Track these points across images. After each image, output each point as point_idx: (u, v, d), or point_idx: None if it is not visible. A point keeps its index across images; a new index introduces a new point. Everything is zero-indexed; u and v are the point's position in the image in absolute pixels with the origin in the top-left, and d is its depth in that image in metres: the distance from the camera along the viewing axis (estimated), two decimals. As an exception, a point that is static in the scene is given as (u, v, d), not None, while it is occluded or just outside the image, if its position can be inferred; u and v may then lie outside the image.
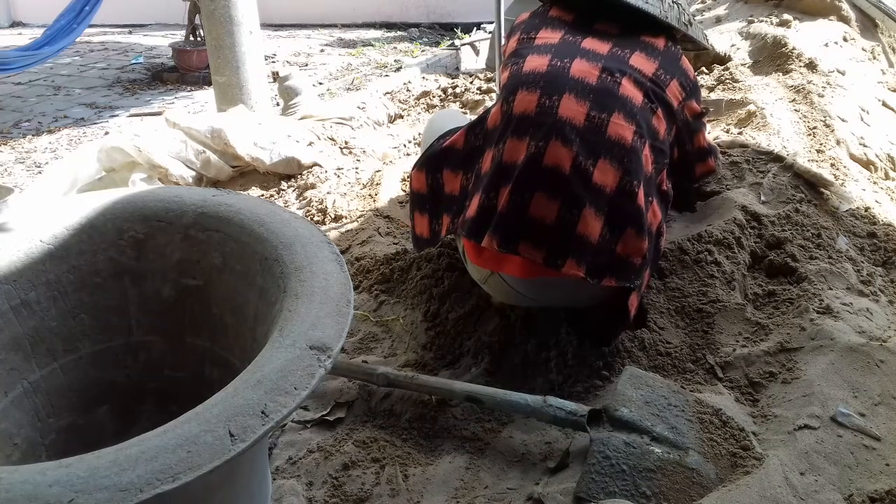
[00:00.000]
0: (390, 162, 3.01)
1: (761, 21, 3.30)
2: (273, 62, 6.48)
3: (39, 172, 4.10)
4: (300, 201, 2.74)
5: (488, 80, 3.92)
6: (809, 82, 2.65)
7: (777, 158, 2.11)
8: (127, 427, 1.24)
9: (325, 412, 1.57)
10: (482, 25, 6.66)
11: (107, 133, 4.82)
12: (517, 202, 1.43)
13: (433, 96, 3.92)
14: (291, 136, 3.04)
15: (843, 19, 3.35)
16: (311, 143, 3.06)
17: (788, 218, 1.89)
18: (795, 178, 2.04)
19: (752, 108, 2.46)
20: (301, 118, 3.42)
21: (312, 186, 2.79)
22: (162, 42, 7.97)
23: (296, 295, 1.00)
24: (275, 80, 4.68)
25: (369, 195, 2.65)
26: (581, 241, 1.41)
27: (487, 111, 1.61)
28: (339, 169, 2.91)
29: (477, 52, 5.75)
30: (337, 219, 2.53)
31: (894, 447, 1.29)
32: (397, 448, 1.45)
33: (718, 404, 1.40)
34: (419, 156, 1.78)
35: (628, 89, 1.45)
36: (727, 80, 2.77)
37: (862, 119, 2.58)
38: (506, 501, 1.30)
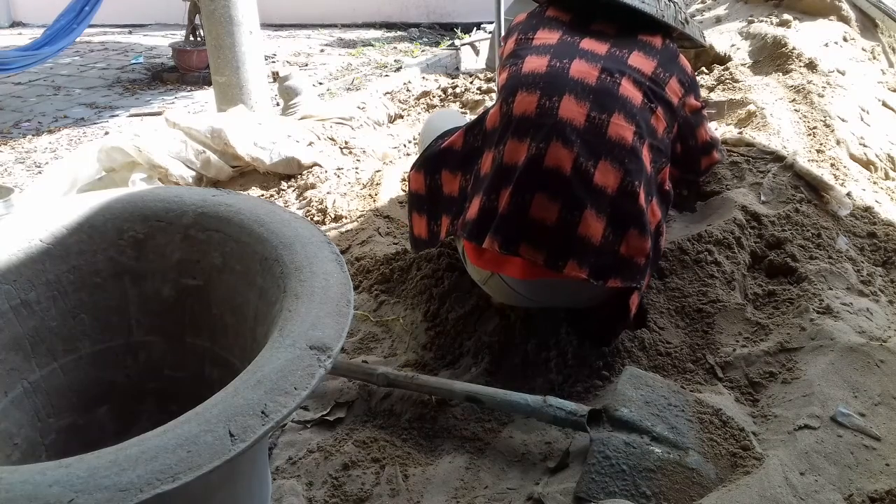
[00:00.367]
0: (390, 162, 3.01)
1: (761, 21, 3.30)
2: (273, 62, 6.48)
3: (39, 172, 4.10)
4: (300, 201, 2.74)
5: (488, 80, 3.92)
6: (809, 82, 2.65)
7: (777, 158, 2.11)
8: (127, 427, 1.24)
9: (325, 412, 1.57)
10: (482, 25, 6.67)
11: (107, 133, 4.82)
12: (518, 204, 1.43)
13: (433, 96, 3.92)
14: (291, 136, 3.04)
15: (843, 19, 3.34)
16: (311, 143, 3.06)
17: (788, 218, 1.89)
18: (797, 178, 2.04)
19: (752, 108, 2.46)
20: (301, 118, 3.42)
21: (312, 186, 2.79)
22: (162, 42, 7.97)
23: (296, 295, 1.00)
24: (275, 80, 4.68)
25: (369, 195, 2.65)
26: (582, 242, 1.41)
27: (486, 112, 1.61)
28: (339, 169, 2.91)
29: (477, 52, 5.75)
30: (337, 219, 2.53)
31: (894, 447, 1.30)
32: (397, 448, 1.45)
33: (718, 404, 1.40)
34: (417, 156, 1.78)
35: (628, 89, 1.45)
36: (727, 80, 2.77)
37: (862, 119, 2.58)
38: (506, 501, 1.30)
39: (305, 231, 1.13)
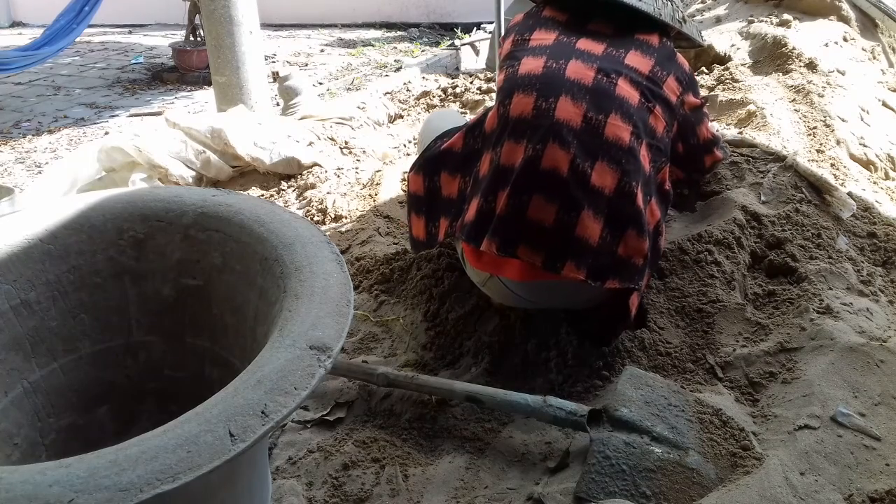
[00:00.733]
0: (390, 162, 3.01)
1: (761, 21, 3.30)
2: (273, 62, 6.48)
3: (39, 172, 4.10)
4: (300, 201, 2.74)
5: (488, 80, 3.92)
6: (809, 82, 2.65)
7: (779, 159, 2.11)
8: (127, 427, 1.24)
9: (325, 412, 1.57)
10: (482, 25, 6.67)
11: (107, 133, 4.82)
12: (515, 205, 1.43)
13: (433, 96, 3.92)
14: (291, 136, 3.04)
15: (843, 19, 3.34)
16: (311, 143, 3.06)
17: (788, 218, 1.89)
18: (800, 179, 2.03)
19: (752, 108, 2.46)
20: (301, 118, 3.42)
21: (312, 186, 2.79)
22: (162, 42, 7.97)
23: (296, 295, 1.00)
24: (275, 80, 4.68)
25: (369, 195, 2.65)
26: (580, 243, 1.41)
27: (486, 113, 1.61)
28: (339, 169, 2.91)
29: (477, 52, 5.75)
30: (337, 219, 2.53)
31: (894, 447, 1.30)
32: (397, 448, 1.45)
33: (718, 404, 1.40)
34: (417, 157, 1.78)
35: (624, 89, 1.45)
36: (727, 80, 2.77)
37: (862, 119, 2.58)
38: (506, 501, 1.30)
39: (305, 231, 1.13)
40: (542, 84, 1.46)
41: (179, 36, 7.04)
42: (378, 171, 2.86)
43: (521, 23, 1.63)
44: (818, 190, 2.02)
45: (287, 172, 2.94)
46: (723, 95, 2.63)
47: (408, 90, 4.24)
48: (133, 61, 7.27)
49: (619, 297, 1.51)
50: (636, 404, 1.34)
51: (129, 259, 1.22)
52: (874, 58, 3.22)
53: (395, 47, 7.40)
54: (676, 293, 1.74)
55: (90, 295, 1.20)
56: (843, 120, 2.47)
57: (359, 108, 3.65)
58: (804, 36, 3.07)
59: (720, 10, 3.71)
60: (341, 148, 3.13)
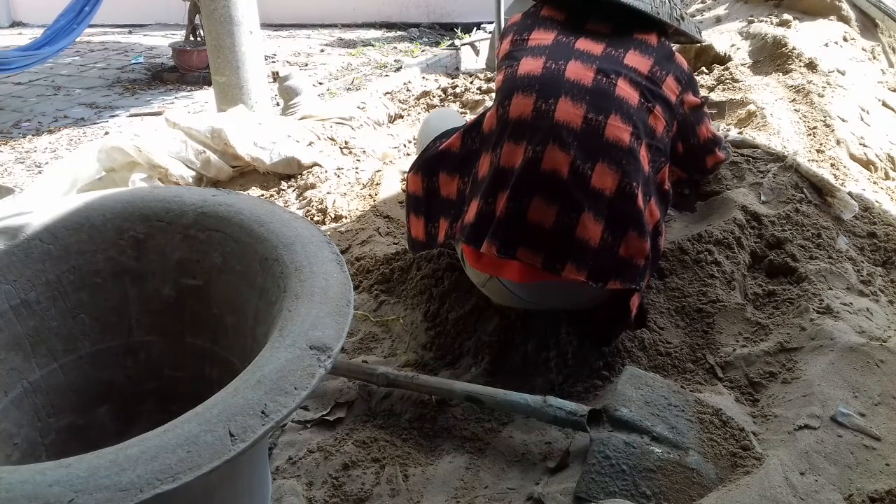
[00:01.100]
0: (390, 162, 3.01)
1: (761, 21, 3.30)
2: (273, 62, 6.48)
3: (39, 172, 4.11)
4: (300, 201, 2.74)
5: (488, 80, 3.92)
6: (809, 82, 2.65)
7: (779, 159, 2.11)
8: (127, 427, 1.24)
9: (325, 412, 1.57)
10: (482, 25, 6.67)
11: (107, 133, 4.82)
12: (515, 207, 1.43)
13: (433, 96, 3.92)
14: (291, 136, 3.04)
15: (843, 19, 3.35)
16: (311, 143, 3.06)
17: (788, 218, 1.89)
18: (801, 179, 2.03)
19: (752, 108, 2.46)
20: (301, 118, 3.42)
21: (312, 186, 2.79)
22: (162, 42, 7.97)
23: (296, 295, 1.00)
24: (275, 80, 4.68)
25: (369, 195, 2.65)
26: (580, 245, 1.41)
27: (484, 114, 1.61)
28: (339, 169, 2.91)
29: (477, 52, 5.76)
30: (337, 219, 2.53)
31: (894, 447, 1.29)
32: (397, 448, 1.45)
33: (718, 404, 1.40)
34: (416, 157, 1.78)
35: (624, 90, 1.45)
36: (727, 80, 2.77)
37: (862, 119, 2.58)
38: (506, 501, 1.30)
39: (305, 231, 1.13)
40: (542, 85, 1.46)
41: (179, 36, 7.04)
42: (378, 171, 2.86)
43: (520, 23, 1.63)
44: (820, 191, 2.02)
45: (287, 172, 2.94)
46: (723, 95, 2.63)
47: (408, 90, 4.24)
48: (133, 61, 7.28)
49: (619, 297, 1.51)
50: (636, 404, 1.34)
51: (129, 259, 1.22)
52: (874, 58, 3.22)
53: (395, 47, 7.40)
54: (676, 293, 1.74)
55: (90, 295, 1.20)
56: (843, 120, 2.47)
57: (359, 108, 3.65)
58: (804, 36, 3.07)
59: (720, 10, 3.71)
60: (341, 148, 3.13)
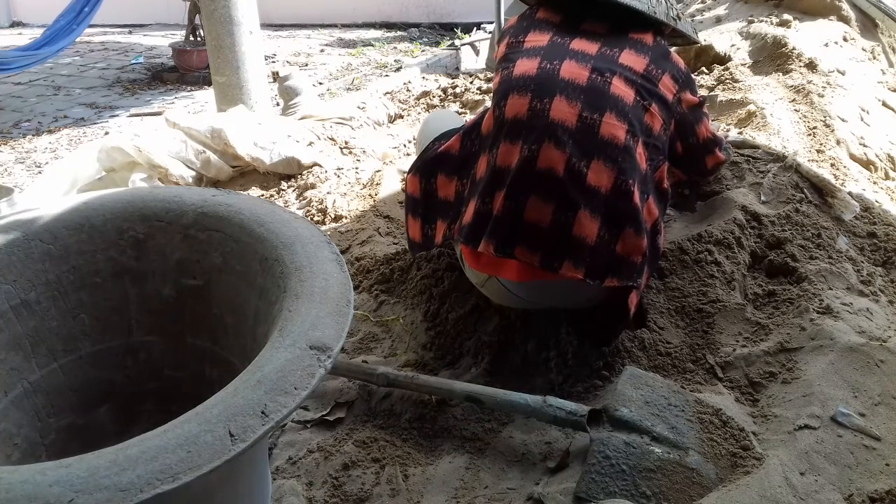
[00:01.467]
0: (390, 162, 3.01)
1: (761, 21, 3.30)
2: (273, 62, 6.48)
3: (39, 172, 4.11)
4: (300, 201, 2.74)
5: (488, 80, 3.92)
6: (809, 82, 2.65)
7: (779, 159, 2.11)
8: (127, 427, 1.24)
9: (325, 412, 1.57)
10: (482, 25, 6.68)
11: (107, 133, 4.82)
12: (512, 206, 1.43)
13: (433, 96, 3.92)
14: (291, 136, 3.04)
15: (843, 19, 3.34)
16: (311, 143, 3.06)
17: (788, 218, 1.89)
18: (802, 179, 2.03)
19: (752, 108, 2.46)
20: (301, 118, 3.42)
21: (312, 186, 2.79)
22: (162, 42, 7.97)
23: (296, 295, 1.00)
24: (275, 80, 4.69)
25: (369, 195, 2.65)
26: (577, 243, 1.41)
27: (482, 115, 1.61)
28: (339, 169, 2.91)
29: (477, 52, 5.76)
30: (337, 219, 2.53)
31: (894, 447, 1.30)
32: (397, 448, 1.45)
33: (718, 404, 1.40)
34: (415, 158, 1.78)
35: (619, 88, 1.45)
36: (727, 80, 2.77)
37: (862, 119, 2.58)
38: (506, 501, 1.30)
39: (305, 231, 1.13)
40: (537, 85, 1.46)
41: (179, 36, 7.04)
42: (378, 171, 2.86)
43: (516, 25, 1.64)
44: (820, 191, 2.02)
45: (287, 172, 2.94)
46: (723, 95, 2.63)
47: (408, 90, 4.24)
48: (133, 61, 7.28)
49: (618, 296, 1.51)
50: (636, 404, 1.34)
51: (129, 259, 1.22)
52: (874, 58, 3.22)
53: (395, 47, 7.40)
54: (676, 293, 1.74)
55: (90, 295, 1.20)
56: (843, 120, 2.47)
57: (359, 108, 3.65)
58: (804, 36, 3.07)
59: (720, 10, 3.71)
60: (341, 148, 3.13)
